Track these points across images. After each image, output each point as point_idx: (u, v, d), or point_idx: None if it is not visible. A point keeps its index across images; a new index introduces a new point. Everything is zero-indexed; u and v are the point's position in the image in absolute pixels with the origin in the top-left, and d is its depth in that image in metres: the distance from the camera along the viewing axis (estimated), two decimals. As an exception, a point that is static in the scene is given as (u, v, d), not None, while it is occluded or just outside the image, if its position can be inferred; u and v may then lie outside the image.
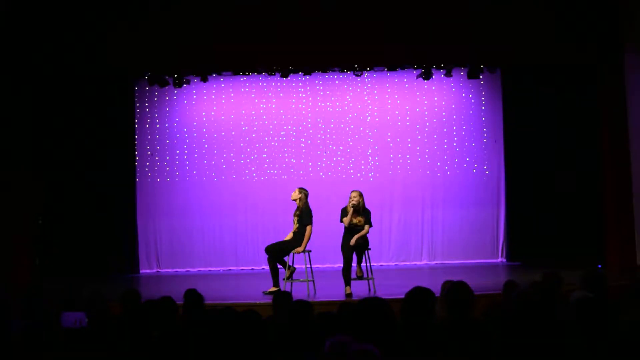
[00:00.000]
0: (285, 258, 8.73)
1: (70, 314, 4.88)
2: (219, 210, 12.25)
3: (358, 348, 2.97)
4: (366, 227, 8.59)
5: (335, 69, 11.59)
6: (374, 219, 8.83)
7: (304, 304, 4.12)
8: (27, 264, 10.36)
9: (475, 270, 10.90)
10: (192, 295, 5.37)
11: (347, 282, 8.36)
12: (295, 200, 8.81)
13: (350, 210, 8.55)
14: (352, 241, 8.44)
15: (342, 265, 8.44)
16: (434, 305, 3.68)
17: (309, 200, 8.88)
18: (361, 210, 8.60)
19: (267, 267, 8.86)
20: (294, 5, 10.38)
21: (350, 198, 8.61)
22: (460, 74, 11.85)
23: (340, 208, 8.74)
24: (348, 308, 4.10)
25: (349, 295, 8.28)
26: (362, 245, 8.54)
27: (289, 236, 8.80)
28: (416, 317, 3.59)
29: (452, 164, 12.27)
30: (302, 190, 8.83)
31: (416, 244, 12.28)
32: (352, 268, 8.60)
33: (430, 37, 10.43)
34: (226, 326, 2.17)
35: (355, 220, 8.57)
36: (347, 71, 11.71)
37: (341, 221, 8.64)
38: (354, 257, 8.62)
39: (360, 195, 8.63)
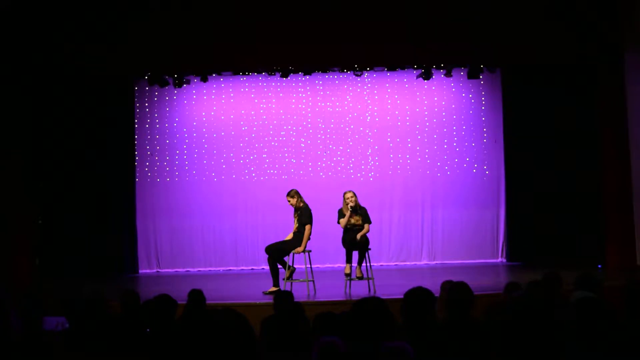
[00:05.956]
0: (285, 258, 8.73)
1: (52, 318, 4.91)
2: (219, 210, 12.25)
3: (392, 345, 2.96)
4: (366, 225, 8.64)
5: (335, 69, 11.59)
6: (373, 218, 8.87)
7: (295, 305, 4.15)
8: (27, 264, 10.37)
9: (475, 270, 10.90)
10: (196, 295, 5.38)
11: (349, 260, 8.59)
12: (293, 205, 8.82)
13: (348, 212, 8.58)
14: (358, 236, 8.50)
15: (342, 265, 8.47)
16: (433, 305, 3.68)
17: (306, 198, 8.89)
18: (357, 209, 8.64)
19: (267, 267, 8.86)
20: (294, 5, 10.39)
21: (346, 199, 8.66)
22: (460, 74, 11.85)
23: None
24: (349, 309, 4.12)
25: (348, 274, 8.53)
26: (365, 245, 8.57)
27: (289, 236, 8.80)
28: (415, 317, 3.59)
29: (452, 164, 12.27)
30: (291, 192, 8.82)
31: (416, 244, 12.28)
32: (352, 268, 8.64)
33: (430, 37, 10.44)
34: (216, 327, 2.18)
35: (353, 220, 8.60)
36: (347, 71, 11.71)
37: (339, 223, 8.68)
38: (355, 257, 8.65)
39: (355, 194, 8.68)
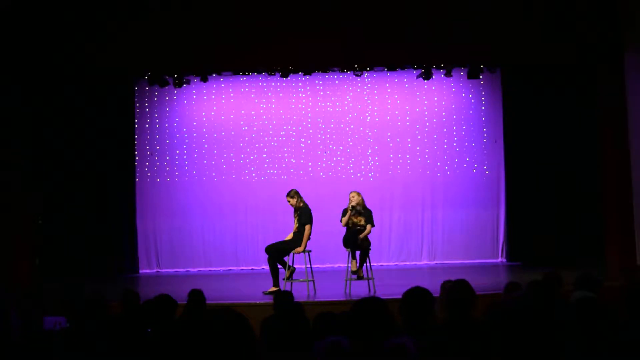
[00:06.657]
0: (285, 258, 8.73)
1: (52, 318, 4.91)
2: (219, 210, 12.25)
3: (394, 343, 2.97)
4: (368, 226, 8.65)
5: (335, 69, 11.58)
6: (374, 218, 8.86)
7: (295, 305, 4.16)
8: (27, 264, 10.36)
9: (475, 270, 10.89)
10: (196, 295, 5.38)
11: (354, 257, 8.63)
12: (293, 205, 8.83)
13: (349, 212, 8.60)
14: (361, 236, 8.54)
15: (342, 265, 8.50)
16: (432, 305, 3.67)
17: (306, 198, 8.89)
18: (362, 210, 8.65)
19: (267, 267, 8.86)
20: (294, 5, 10.38)
21: (350, 199, 8.68)
22: (460, 74, 11.85)
23: (341, 208, 8.80)
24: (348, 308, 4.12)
25: (355, 271, 8.56)
26: (367, 248, 8.59)
27: (289, 236, 8.81)
28: (414, 317, 3.59)
29: (452, 164, 12.27)
30: (291, 193, 8.83)
31: (416, 244, 12.28)
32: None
33: (430, 37, 10.43)
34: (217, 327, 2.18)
35: (355, 220, 8.62)
36: (347, 71, 11.71)
37: (341, 221, 8.71)
38: (358, 255, 8.68)
39: (359, 195, 8.70)
